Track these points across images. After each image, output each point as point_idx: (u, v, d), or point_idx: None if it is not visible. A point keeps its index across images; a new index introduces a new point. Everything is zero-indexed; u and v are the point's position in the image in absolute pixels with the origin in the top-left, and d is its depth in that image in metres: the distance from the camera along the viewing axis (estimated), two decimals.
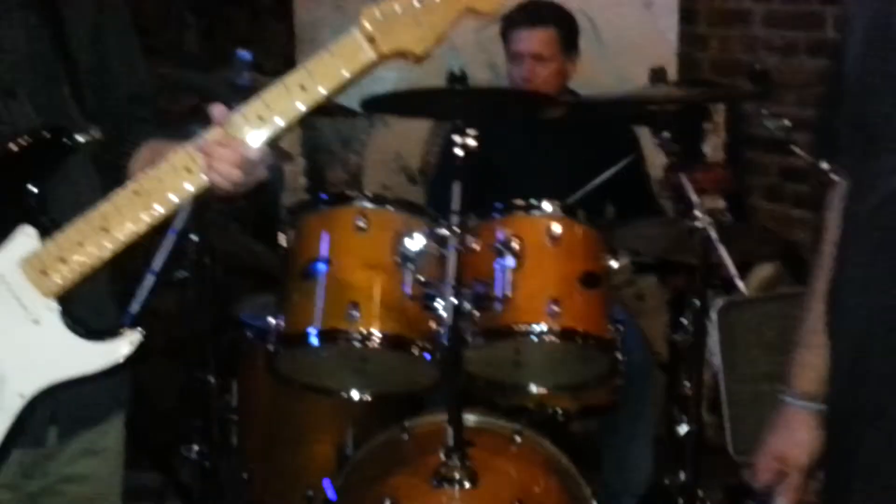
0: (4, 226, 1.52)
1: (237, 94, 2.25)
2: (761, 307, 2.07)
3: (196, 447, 2.73)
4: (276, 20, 3.84)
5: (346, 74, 1.48)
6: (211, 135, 1.50)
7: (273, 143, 1.54)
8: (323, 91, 1.49)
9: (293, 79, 1.49)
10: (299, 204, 2.39)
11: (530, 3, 3.07)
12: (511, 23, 3.00)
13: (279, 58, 3.88)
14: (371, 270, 2.22)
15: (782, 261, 3.52)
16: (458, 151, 2.18)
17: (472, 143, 2.17)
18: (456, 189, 2.14)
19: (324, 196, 2.34)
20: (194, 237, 2.60)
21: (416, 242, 2.19)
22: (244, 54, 2.31)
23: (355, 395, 2.39)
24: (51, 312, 1.53)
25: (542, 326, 2.21)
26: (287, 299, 2.27)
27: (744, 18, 3.86)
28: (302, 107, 1.49)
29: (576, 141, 3.00)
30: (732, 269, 2.18)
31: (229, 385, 2.82)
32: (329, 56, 1.48)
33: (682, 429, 2.33)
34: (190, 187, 1.52)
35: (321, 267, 2.22)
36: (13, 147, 1.52)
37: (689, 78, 3.84)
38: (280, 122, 1.50)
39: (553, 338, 2.21)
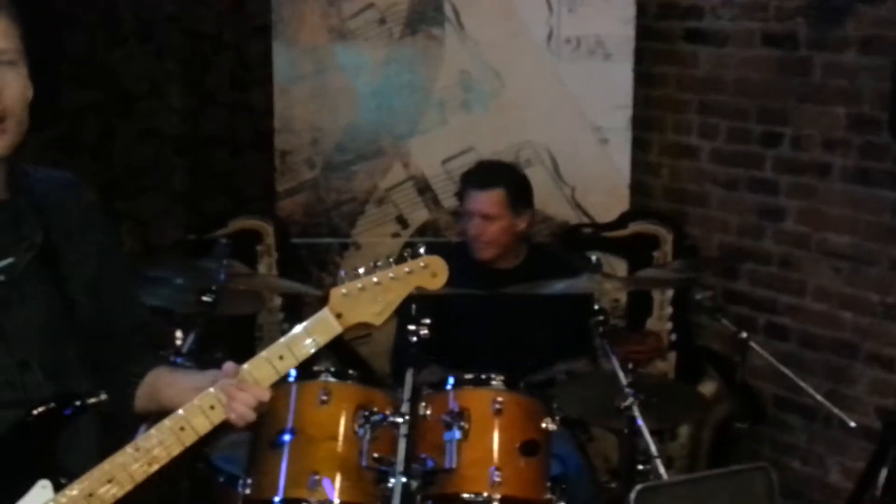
0: (24, 480, 1.77)
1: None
2: (675, 490, 2.33)
3: None
4: (255, 151, 4.09)
5: (317, 346, 1.81)
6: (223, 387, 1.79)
7: None
8: (296, 360, 1.81)
9: (275, 351, 1.81)
10: None
11: (482, 166, 3.35)
12: (465, 183, 3.27)
13: (259, 184, 4.14)
14: (332, 441, 2.47)
15: (723, 379, 3.83)
16: (412, 339, 2.43)
17: (425, 332, 2.42)
18: (408, 377, 2.40)
19: (293, 370, 2.58)
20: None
21: (372, 418, 2.44)
22: (223, 244, 2.57)
23: None
24: None
25: (485, 495, 2.46)
26: (255, 464, 2.52)
27: (691, 153, 4.15)
28: (280, 373, 1.81)
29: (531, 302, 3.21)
30: (653, 448, 2.44)
31: None
32: (305, 333, 1.80)
33: None
34: (181, 443, 1.79)
35: (286, 437, 2.47)
36: (32, 418, 1.76)
37: (640, 207, 4.14)
38: (262, 385, 1.81)
39: None
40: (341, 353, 4.04)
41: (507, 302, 3.04)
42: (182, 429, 1.79)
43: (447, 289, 2.69)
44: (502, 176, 3.27)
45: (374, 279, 1.81)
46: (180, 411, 1.79)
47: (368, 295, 1.80)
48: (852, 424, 2.92)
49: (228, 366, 1.81)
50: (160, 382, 1.92)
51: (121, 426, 1.85)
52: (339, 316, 1.80)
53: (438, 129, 4.11)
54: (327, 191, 4.13)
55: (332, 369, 2.56)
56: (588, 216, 4.10)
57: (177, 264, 3.13)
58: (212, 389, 1.80)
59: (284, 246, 4.01)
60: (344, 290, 1.79)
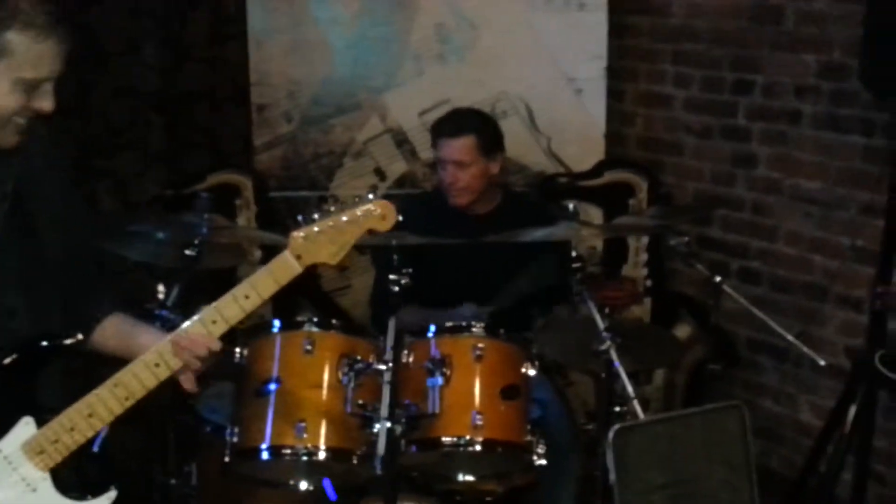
0: (8, 418, 1.88)
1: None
2: (651, 429, 2.41)
3: None
4: (233, 106, 4.09)
5: (278, 285, 1.95)
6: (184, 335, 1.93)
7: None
8: (260, 299, 1.94)
9: (241, 291, 1.93)
10: (254, 326, 2.67)
11: (452, 114, 3.39)
12: (435, 132, 3.31)
13: (238, 139, 4.15)
14: (317, 390, 2.53)
15: (697, 323, 3.92)
16: (394, 288, 2.49)
17: (406, 281, 2.47)
18: (391, 325, 2.45)
19: (276, 321, 2.63)
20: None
21: (356, 366, 2.49)
22: (204, 198, 2.60)
23: (303, 485, 2.71)
24: (45, 482, 1.89)
25: (467, 438, 2.53)
26: (241, 413, 2.57)
27: (665, 102, 4.20)
28: (246, 311, 1.95)
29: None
30: (630, 390, 2.51)
31: (188, 461, 3.11)
32: (267, 273, 1.94)
33: None
34: (159, 377, 1.91)
35: (272, 387, 2.53)
36: (15, 359, 1.87)
37: (615, 156, 4.19)
38: (229, 322, 1.95)
39: (477, 447, 2.54)
40: (322, 305, 4.09)
41: (486, 249, 3.09)
42: (157, 365, 1.91)
43: (428, 238, 2.78)
44: (472, 122, 3.31)
45: (330, 223, 1.96)
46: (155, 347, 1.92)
47: (325, 237, 1.95)
48: (822, 363, 3.00)
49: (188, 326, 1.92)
50: (121, 330, 2.05)
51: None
52: (298, 257, 1.94)
53: (414, 81, 4.12)
54: (305, 144, 4.14)
55: (316, 319, 2.60)
56: (564, 166, 4.15)
57: (157, 219, 3.16)
58: (157, 347, 1.92)
59: (263, 199, 4.03)
60: (303, 234, 1.95)
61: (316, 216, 1.98)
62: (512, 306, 3.15)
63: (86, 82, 3.79)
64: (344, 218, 1.97)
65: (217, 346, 1.94)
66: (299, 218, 1.99)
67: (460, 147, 3.22)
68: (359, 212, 1.98)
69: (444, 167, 3.26)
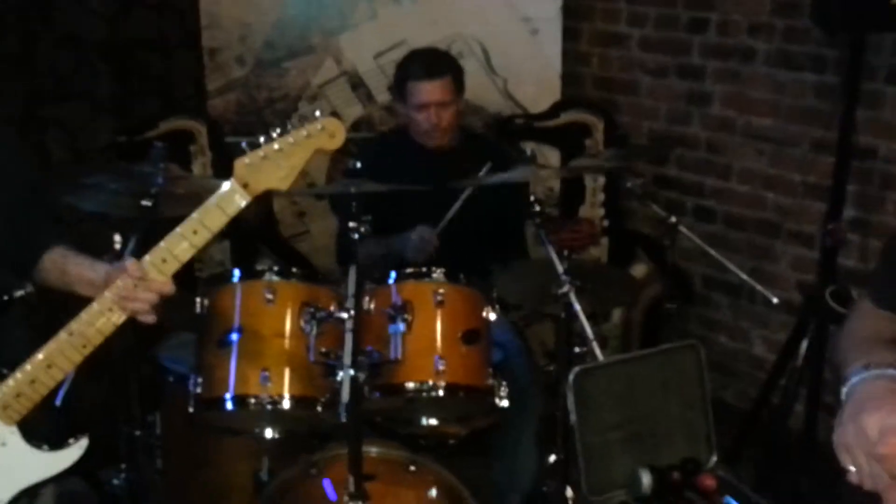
0: None
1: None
2: (610, 369, 2.45)
3: (123, 466, 3.04)
4: (184, 50, 4.01)
5: (227, 217, 1.89)
6: (128, 282, 1.88)
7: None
8: (210, 233, 1.89)
9: (188, 226, 1.88)
10: (214, 276, 2.66)
11: (427, 56, 3.35)
12: (408, 74, 3.26)
13: (190, 84, 4.08)
14: (279, 339, 2.53)
15: (653, 262, 3.98)
16: (354, 235, 2.48)
17: (365, 229, 2.47)
18: (352, 273, 2.45)
19: (236, 271, 2.62)
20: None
21: (318, 314, 2.50)
22: (159, 147, 2.56)
23: (269, 433, 2.73)
24: (13, 435, 1.88)
25: (430, 383, 2.56)
26: (204, 364, 2.57)
27: (621, 41, 4.19)
28: (196, 247, 1.89)
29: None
30: (589, 332, 2.55)
31: (151, 411, 3.11)
32: (215, 207, 1.88)
33: (552, 458, 2.72)
34: (115, 322, 1.89)
35: (234, 336, 2.53)
36: None
37: (572, 96, 4.19)
38: (181, 260, 1.90)
39: (440, 392, 2.57)
40: (281, 251, 4.08)
41: (445, 191, 3.09)
42: (110, 310, 1.89)
43: (389, 185, 2.76)
44: (447, 62, 3.32)
45: (276, 146, 1.88)
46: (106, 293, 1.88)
47: (271, 162, 1.87)
48: (775, 301, 3.07)
49: (131, 266, 1.87)
50: (58, 263, 2.05)
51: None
52: (245, 186, 1.87)
53: (369, 23, 4.08)
54: (258, 88, 4.09)
55: (276, 268, 2.60)
56: (520, 107, 4.15)
57: (111, 169, 3.11)
58: (107, 294, 1.88)
59: (218, 145, 3.99)
60: (247, 160, 1.87)
61: (262, 140, 1.89)
62: (472, 249, 3.16)
63: (30, 32, 3.70)
64: (290, 139, 1.88)
65: (170, 288, 1.88)
66: (243, 144, 1.90)
67: (442, 87, 3.22)
68: (305, 132, 1.89)
69: (424, 110, 3.23)
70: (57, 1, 3.79)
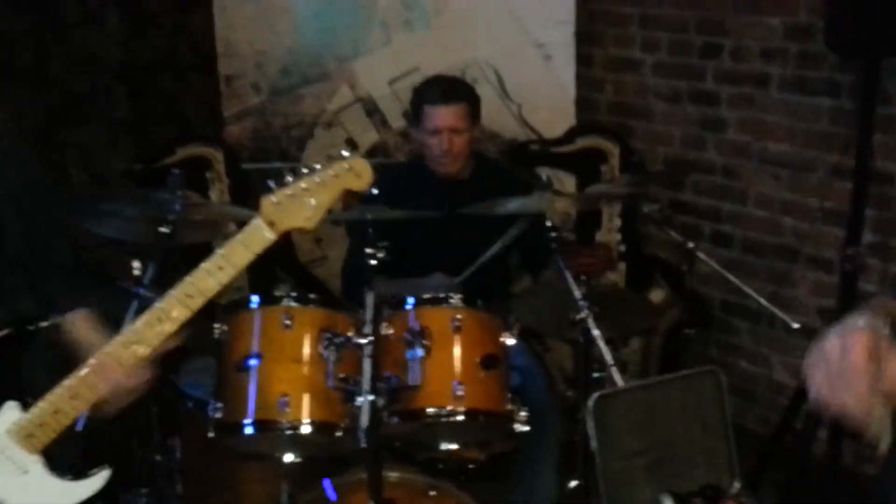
0: None
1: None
2: (630, 395, 2.44)
3: (144, 491, 3.04)
4: (201, 74, 4.04)
5: (252, 255, 1.88)
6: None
7: None
8: (235, 270, 1.88)
9: (214, 263, 1.87)
10: (233, 302, 2.66)
11: (443, 82, 3.37)
12: (423, 100, 3.28)
13: (205, 109, 4.11)
14: (297, 364, 2.53)
15: (671, 287, 3.96)
16: (371, 262, 2.48)
17: (382, 255, 2.47)
18: (369, 299, 2.45)
19: (255, 297, 2.63)
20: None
21: (336, 340, 2.50)
22: (176, 174, 2.58)
23: (288, 458, 2.72)
24: (36, 464, 1.88)
25: (449, 408, 2.55)
26: (223, 389, 2.57)
27: (634, 67, 4.20)
28: (222, 283, 1.89)
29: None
30: (608, 357, 2.54)
31: (171, 436, 3.11)
32: (240, 244, 1.87)
33: (572, 483, 2.70)
34: (140, 356, 1.91)
35: (253, 362, 2.52)
36: None
37: (586, 122, 4.20)
38: (206, 295, 1.89)
39: (459, 417, 2.56)
40: (299, 277, 4.09)
41: (461, 219, 3.09)
42: (136, 343, 1.89)
43: (404, 211, 2.77)
44: (463, 89, 3.34)
45: (303, 185, 1.87)
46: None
47: (298, 201, 1.86)
48: (795, 325, 3.05)
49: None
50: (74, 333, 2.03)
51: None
52: (271, 224, 1.86)
53: (382, 49, 4.10)
54: (274, 115, 4.11)
55: (294, 294, 2.60)
56: (535, 132, 4.15)
57: (129, 196, 3.12)
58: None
59: (235, 171, 4.01)
60: (274, 199, 1.86)
61: (289, 179, 1.88)
62: (482, 275, 3.16)
63: (45, 53, 3.73)
64: (317, 179, 1.87)
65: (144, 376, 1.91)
66: (270, 183, 1.88)
67: (456, 113, 3.23)
68: (332, 171, 1.88)
69: (437, 135, 3.24)
70: (71, 22, 3.82)
